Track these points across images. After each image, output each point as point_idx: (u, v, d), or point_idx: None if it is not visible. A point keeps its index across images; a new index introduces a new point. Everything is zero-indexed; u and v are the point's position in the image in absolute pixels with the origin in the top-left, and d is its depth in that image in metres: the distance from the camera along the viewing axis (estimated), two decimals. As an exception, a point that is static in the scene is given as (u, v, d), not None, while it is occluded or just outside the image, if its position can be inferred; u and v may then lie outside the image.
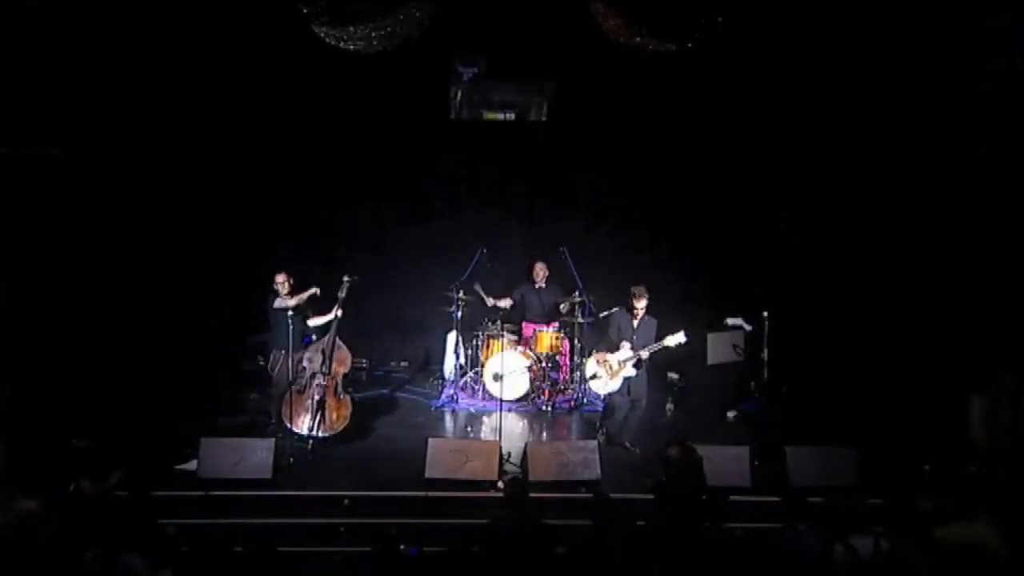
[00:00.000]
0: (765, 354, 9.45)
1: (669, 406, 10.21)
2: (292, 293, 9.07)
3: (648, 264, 11.06)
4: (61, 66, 8.70)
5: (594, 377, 9.07)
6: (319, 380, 9.04)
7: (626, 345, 8.84)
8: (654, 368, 9.27)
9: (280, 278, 9.12)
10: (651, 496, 6.54)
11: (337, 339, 9.15)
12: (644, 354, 8.74)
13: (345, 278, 9.19)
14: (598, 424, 9.39)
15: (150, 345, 9.59)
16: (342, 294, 9.15)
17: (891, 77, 9.44)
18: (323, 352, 9.10)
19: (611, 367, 8.89)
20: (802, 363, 10.12)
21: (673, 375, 10.52)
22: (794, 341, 9.97)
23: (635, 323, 8.90)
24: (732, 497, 7.04)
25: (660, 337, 8.78)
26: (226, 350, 10.35)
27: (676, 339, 8.70)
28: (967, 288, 8.95)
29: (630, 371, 8.81)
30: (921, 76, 9.23)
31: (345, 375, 9.30)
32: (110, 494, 6.39)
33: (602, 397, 9.33)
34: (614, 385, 8.91)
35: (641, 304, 8.84)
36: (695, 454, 6.76)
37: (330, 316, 9.18)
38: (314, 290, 9.17)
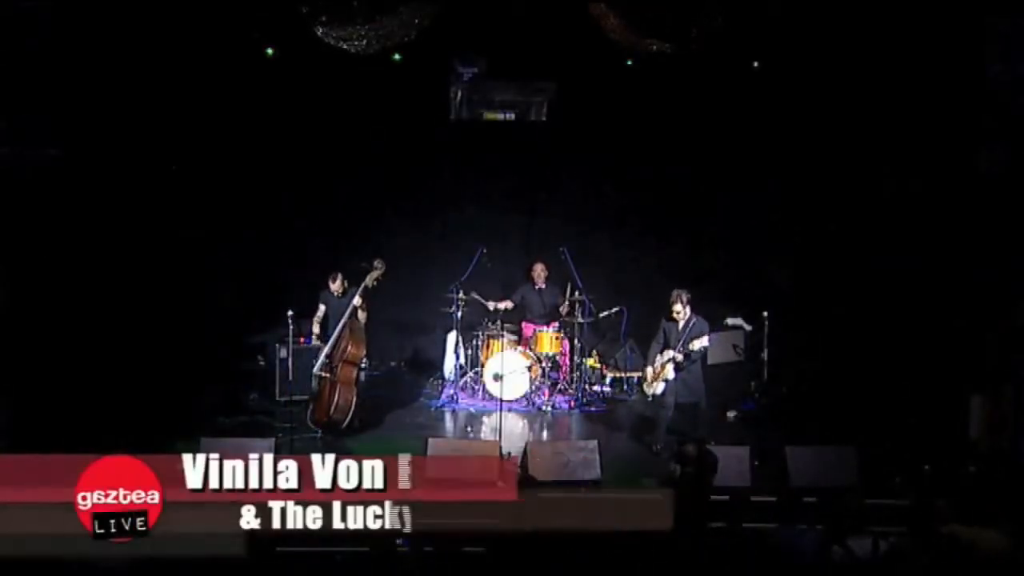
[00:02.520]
0: (765, 354, 9.44)
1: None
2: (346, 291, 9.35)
3: (648, 264, 11.10)
4: (61, 66, 8.70)
5: (644, 380, 9.11)
6: (317, 370, 9.14)
7: (668, 351, 8.80)
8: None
9: (335, 284, 9.40)
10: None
11: (345, 330, 9.14)
12: (679, 356, 8.68)
13: (376, 263, 9.22)
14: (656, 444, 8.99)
15: (150, 345, 9.59)
16: (369, 283, 9.18)
17: (892, 76, 9.44)
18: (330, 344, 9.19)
19: (655, 371, 8.86)
20: (802, 363, 10.12)
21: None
22: (794, 341, 9.98)
23: (680, 326, 8.79)
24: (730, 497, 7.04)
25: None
26: (226, 350, 10.34)
27: (700, 343, 8.64)
28: (967, 288, 8.94)
29: (670, 374, 8.75)
30: (923, 75, 9.24)
31: (349, 362, 9.20)
32: None
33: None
34: (657, 388, 8.86)
35: (678, 308, 8.76)
36: (712, 455, 6.76)
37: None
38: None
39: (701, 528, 5.86)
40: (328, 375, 9.12)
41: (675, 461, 6.66)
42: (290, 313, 8.88)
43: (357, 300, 9.15)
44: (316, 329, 9.52)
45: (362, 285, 9.17)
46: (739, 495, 6.80)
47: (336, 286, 9.42)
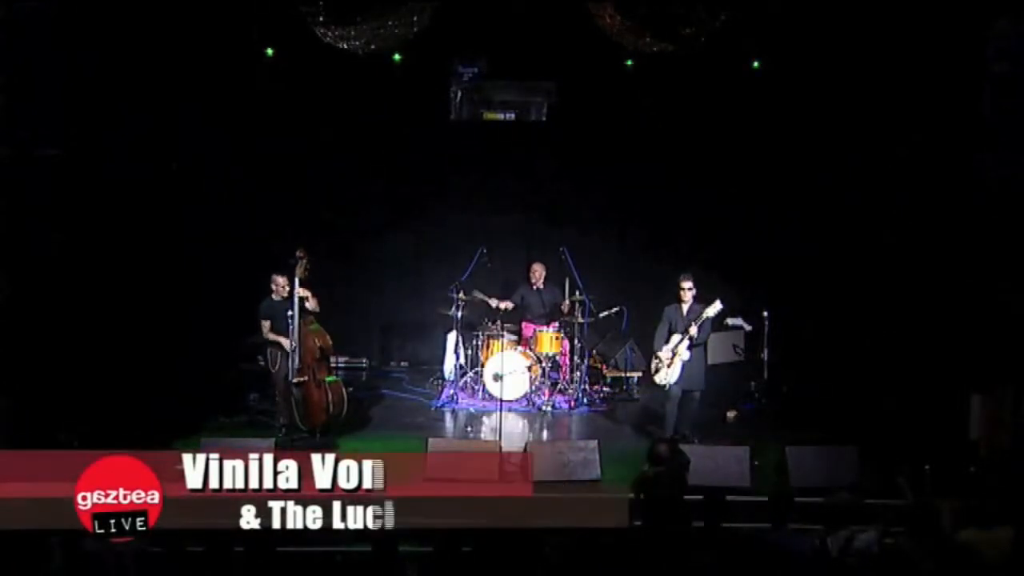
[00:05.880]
0: (765, 354, 9.44)
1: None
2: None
3: (648, 263, 11.10)
4: (61, 66, 8.70)
5: (656, 371, 9.01)
6: (292, 377, 8.83)
7: (676, 335, 8.80)
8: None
9: (282, 281, 8.99)
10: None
11: (304, 328, 8.85)
12: (692, 330, 8.66)
13: (298, 253, 8.83)
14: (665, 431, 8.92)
15: (150, 345, 9.59)
16: (300, 274, 8.80)
17: (895, 75, 9.45)
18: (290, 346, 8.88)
19: (668, 356, 8.82)
20: (802, 363, 10.12)
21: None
22: (794, 341, 9.98)
23: (685, 309, 8.84)
24: (730, 497, 7.04)
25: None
26: (226, 350, 10.33)
27: (714, 308, 8.64)
28: (968, 288, 8.94)
29: (685, 354, 8.73)
30: (924, 75, 9.24)
31: (323, 357, 9.01)
32: None
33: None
34: (674, 374, 8.80)
35: (687, 285, 8.80)
36: (683, 455, 6.79)
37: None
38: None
39: (684, 528, 5.87)
40: (308, 378, 8.89)
41: (647, 461, 6.68)
42: (289, 313, 8.87)
43: (302, 291, 8.81)
44: (273, 337, 8.97)
45: (295, 279, 8.80)
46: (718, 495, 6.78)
47: (283, 282, 8.94)
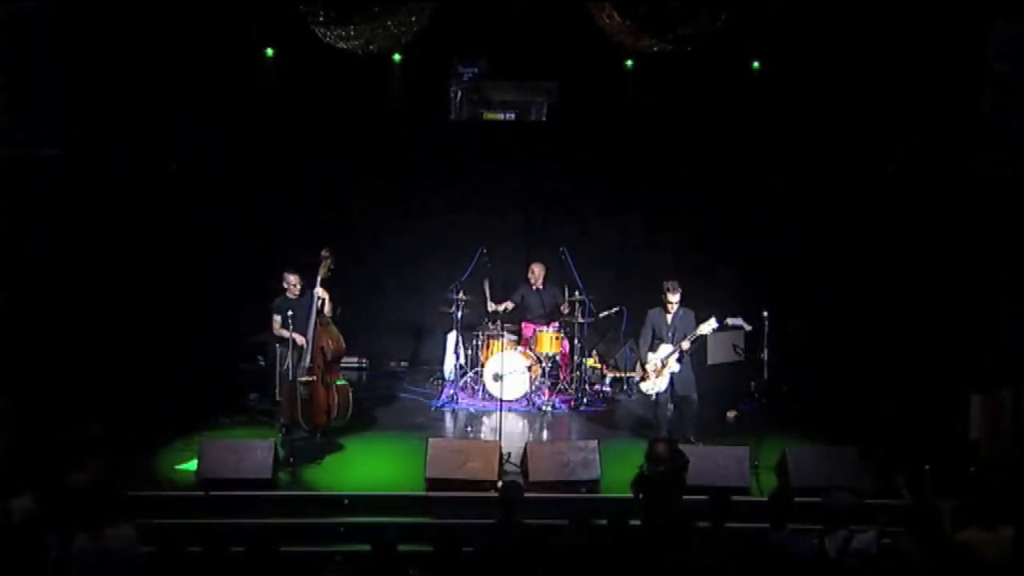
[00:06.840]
0: (765, 354, 9.45)
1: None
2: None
3: (648, 264, 11.09)
4: (61, 66, 8.70)
5: (642, 379, 9.01)
6: (300, 375, 8.72)
7: (664, 344, 8.80)
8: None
9: (294, 279, 8.98)
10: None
11: (318, 328, 8.76)
12: (685, 344, 8.68)
13: (323, 253, 8.78)
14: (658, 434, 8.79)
15: (150, 345, 9.59)
16: (323, 274, 8.77)
17: (893, 75, 9.45)
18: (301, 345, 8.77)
19: (655, 367, 8.82)
20: (802, 363, 10.12)
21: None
22: (794, 341, 9.97)
23: (670, 318, 8.83)
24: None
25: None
26: (226, 350, 10.34)
27: (708, 326, 8.66)
28: (968, 288, 8.94)
29: (674, 366, 8.74)
30: (925, 75, 9.24)
31: (334, 360, 8.96)
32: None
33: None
34: (661, 384, 8.81)
35: (675, 298, 8.78)
36: (682, 455, 6.79)
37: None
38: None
39: (683, 527, 5.88)
40: (316, 378, 8.78)
41: (646, 461, 6.69)
42: (290, 313, 8.86)
43: (321, 292, 8.75)
44: (286, 333, 8.76)
45: (318, 278, 8.73)
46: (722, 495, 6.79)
47: (295, 280, 8.92)
